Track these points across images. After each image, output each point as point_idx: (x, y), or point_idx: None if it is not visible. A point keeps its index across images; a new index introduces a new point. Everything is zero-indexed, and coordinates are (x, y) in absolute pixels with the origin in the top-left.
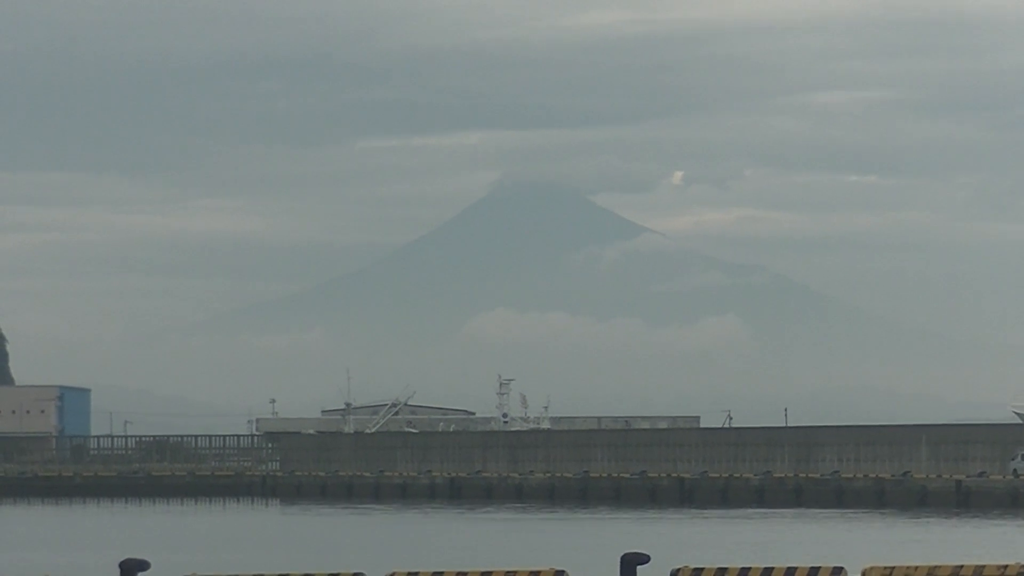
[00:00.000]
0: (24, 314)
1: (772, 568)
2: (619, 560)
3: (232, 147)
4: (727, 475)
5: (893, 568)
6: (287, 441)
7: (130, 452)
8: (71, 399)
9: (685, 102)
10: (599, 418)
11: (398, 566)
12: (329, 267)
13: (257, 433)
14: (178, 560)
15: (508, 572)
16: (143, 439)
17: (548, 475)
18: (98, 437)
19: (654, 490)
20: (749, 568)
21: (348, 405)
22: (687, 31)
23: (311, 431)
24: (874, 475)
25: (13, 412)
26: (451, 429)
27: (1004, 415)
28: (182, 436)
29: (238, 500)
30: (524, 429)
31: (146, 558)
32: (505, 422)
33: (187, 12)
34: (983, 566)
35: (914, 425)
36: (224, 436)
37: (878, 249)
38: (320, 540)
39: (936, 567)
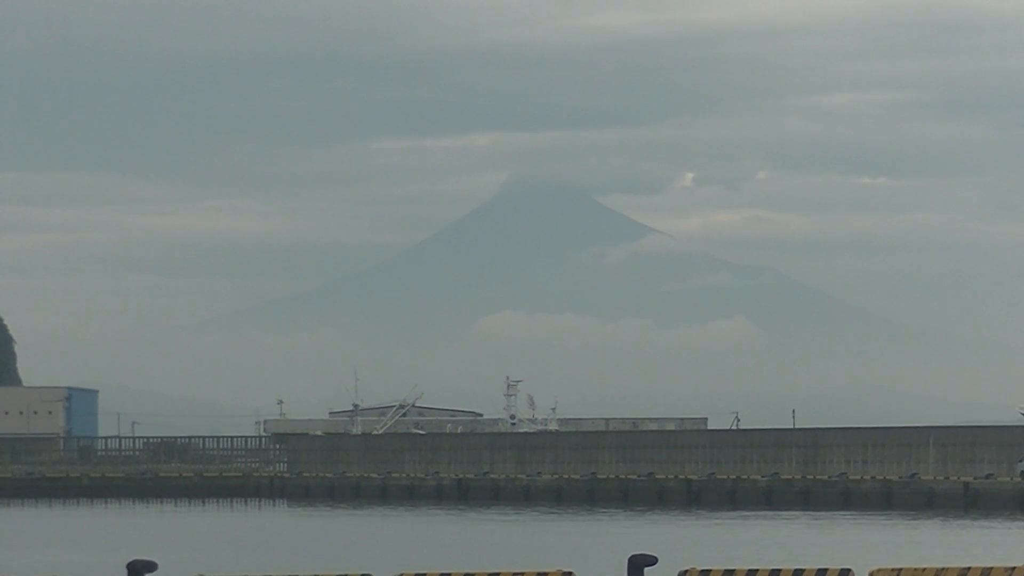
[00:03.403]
0: (32, 315)
1: (780, 570)
2: (627, 561)
3: (241, 147)
4: (735, 477)
5: (900, 570)
6: (295, 442)
7: (138, 453)
8: (79, 400)
9: (696, 103)
10: (607, 419)
11: (405, 567)
12: (337, 267)
13: (265, 434)
14: (186, 561)
15: (515, 574)
16: (151, 440)
17: (555, 476)
18: (106, 438)
19: (662, 492)
20: (756, 570)
21: (356, 406)
22: (698, 32)
23: (319, 432)
24: (882, 477)
25: (21, 413)
26: (459, 430)
27: (1011, 416)
28: (190, 437)
29: (246, 501)
30: (532, 430)
31: (154, 559)
32: (513, 423)
33: (195, 11)
34: (990, 568)
35: (922, 427)
36: (232, 437)
37: (887, 250)
38: (327, 541)
39: (943, 569)
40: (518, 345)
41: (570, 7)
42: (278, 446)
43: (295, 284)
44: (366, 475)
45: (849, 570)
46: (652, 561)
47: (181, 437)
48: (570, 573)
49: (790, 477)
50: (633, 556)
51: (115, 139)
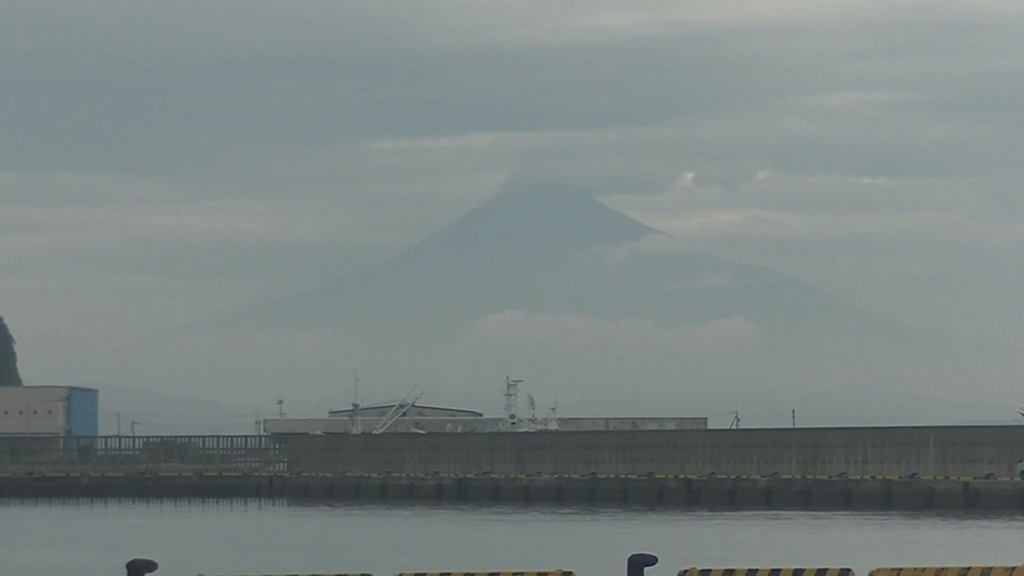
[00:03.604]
0: (32, 314)
1: (779, 570)
2: (626, 561)
3: (241, 147)
4: (734, 476)
5: (900, 570)
6: (295, 442)
7: (137, 453)
8: (78, 400)
9: (696, 103)
10: (607, 419)
11: (405, 567)
12: (337, 267)
13: (265, 434)
14: (186, 561)
15: (515, 573)
16: (150, 440)
17: (555, 476)
18: (105, 438)
19: (661, 491)
20: (756, 570)
21: (356, 406)
22: (698, 32)
23: (318, 432)
24: (881, 476)
25: (21, 413)
26: (458, 430)
27: (1011, 416)
28: (189, 437)
29: (245, 501)
30: (532, 430)
31: (154, 558)
32: (513, 423)
33: (195, 11)
34: (990, 568)
35: (922, 427)
36: (232, 437)
37: (887, 250)
38: (327, 541)
39: (943, 569)
40: (518, 345)
41: (570, 7)
42: (278, 446)
43: (295, 284)
44: (366, 475)
45: (849, 570)
46: (652, 561)
47: (181, 437)
48: (570, 573)
49: (790, 477)
50: (633, 556)
51: (115, 139)
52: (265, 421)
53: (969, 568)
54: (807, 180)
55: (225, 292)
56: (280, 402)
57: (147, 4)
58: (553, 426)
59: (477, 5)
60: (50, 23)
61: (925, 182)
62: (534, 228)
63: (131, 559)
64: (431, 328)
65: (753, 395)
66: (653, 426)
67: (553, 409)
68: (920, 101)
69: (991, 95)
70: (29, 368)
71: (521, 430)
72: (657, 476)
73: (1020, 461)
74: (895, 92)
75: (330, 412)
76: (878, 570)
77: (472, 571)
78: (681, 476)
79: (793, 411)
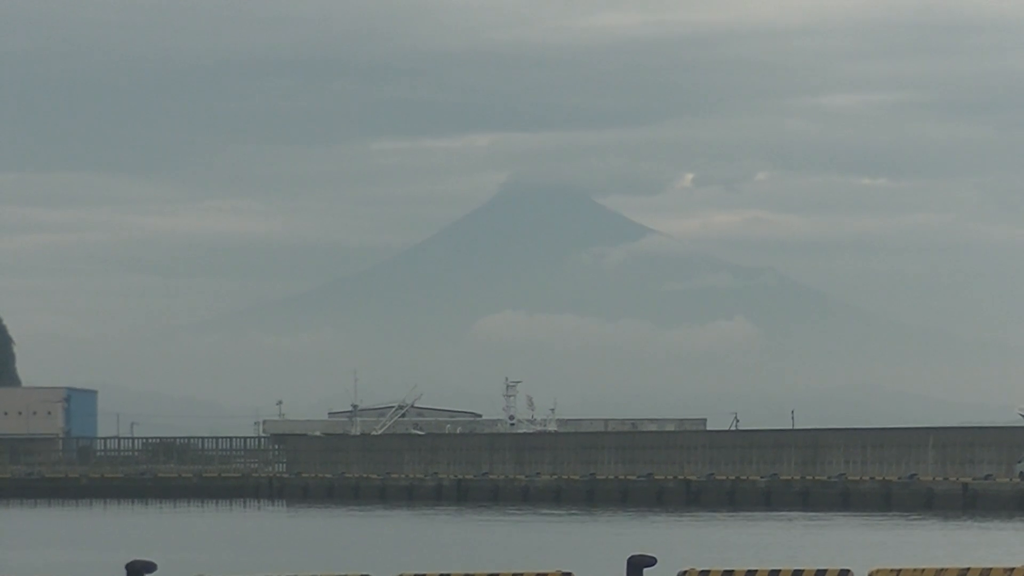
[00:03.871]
0: (31, 315)
1: (779, 571)
2: (626, 562)
3: (241, 147)
4: (734, 477)
5: (900, 571)
6: (294, 443)
7: (137, 453)
8: (78, 400)
9: (696, 103)
10: (606, 420)
11: (405, 568)
12: (337, 267)
13: (264, 435)
14: (186, 561)
15: (515, 574)
16: (150, 440)
17: (555, 477)
18: (105, 438)
19: (661, 492)
20: (756, 571)
21: (355, 407)
22: (698, 33)
23: (318, 433)
24: (881, 477)
25: (20, 413)
26: (458, 431)
27: (1010, 417)
28: (189, 438)
29: (245, 502)
30: (531, 431)
31: (153, 559)
32: (512, 424)
33: (195, 11)
34: (989, 569)
35: (921, 428)
36: (231, 438)
37: (887, 251)
38: (327, 542)
39: (942, 570)
40: (518, 345)
41: (570, 7)
42: (277, 446)
43: (295, 284)
44: (365, 476)
45: (848, 570)
46: (651, 562)
47: (180, 437)
48: (569, 574)
49: (789, 478)
50: (632, 557)
51: (115, 139)
52: (264, 422)
53: (968, 569)
54: (807, 180)
55: (225, 292)
56: (279, 403)
57: (147, 4)
58: (552, 427)
59: (477, 5)
60: (50, 23)
61: (925, 182)
62: (534, 228)
63: (130, 560)
64: (431, 328)
65: (753, 395)
66: (652, 427)
67: (552, 410)
68: (920, 101)
69: (991, 95)
70: (28, 369)
71: (520, 431)
72: (656, 477)
73: (1019, 462)
74: (895, 92)
75: (329, 413)
76: (877, 571)
77: (472, 571)
78: (680, 477)
79: (792, 411)
